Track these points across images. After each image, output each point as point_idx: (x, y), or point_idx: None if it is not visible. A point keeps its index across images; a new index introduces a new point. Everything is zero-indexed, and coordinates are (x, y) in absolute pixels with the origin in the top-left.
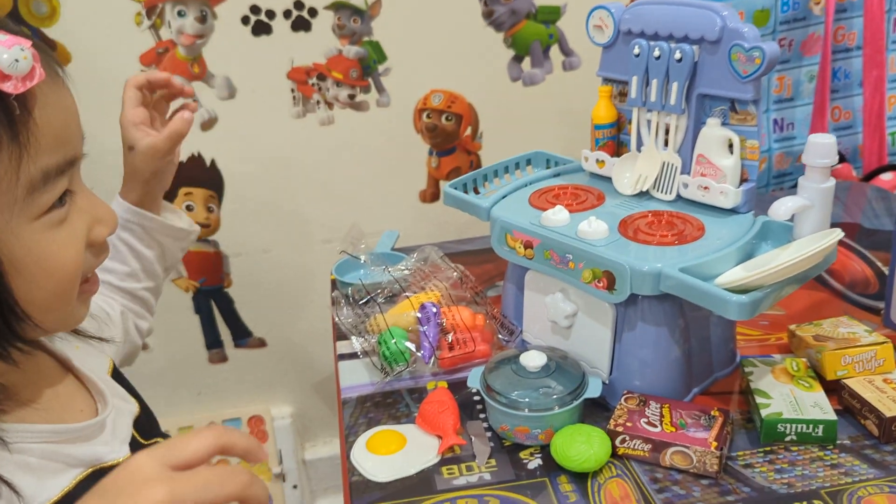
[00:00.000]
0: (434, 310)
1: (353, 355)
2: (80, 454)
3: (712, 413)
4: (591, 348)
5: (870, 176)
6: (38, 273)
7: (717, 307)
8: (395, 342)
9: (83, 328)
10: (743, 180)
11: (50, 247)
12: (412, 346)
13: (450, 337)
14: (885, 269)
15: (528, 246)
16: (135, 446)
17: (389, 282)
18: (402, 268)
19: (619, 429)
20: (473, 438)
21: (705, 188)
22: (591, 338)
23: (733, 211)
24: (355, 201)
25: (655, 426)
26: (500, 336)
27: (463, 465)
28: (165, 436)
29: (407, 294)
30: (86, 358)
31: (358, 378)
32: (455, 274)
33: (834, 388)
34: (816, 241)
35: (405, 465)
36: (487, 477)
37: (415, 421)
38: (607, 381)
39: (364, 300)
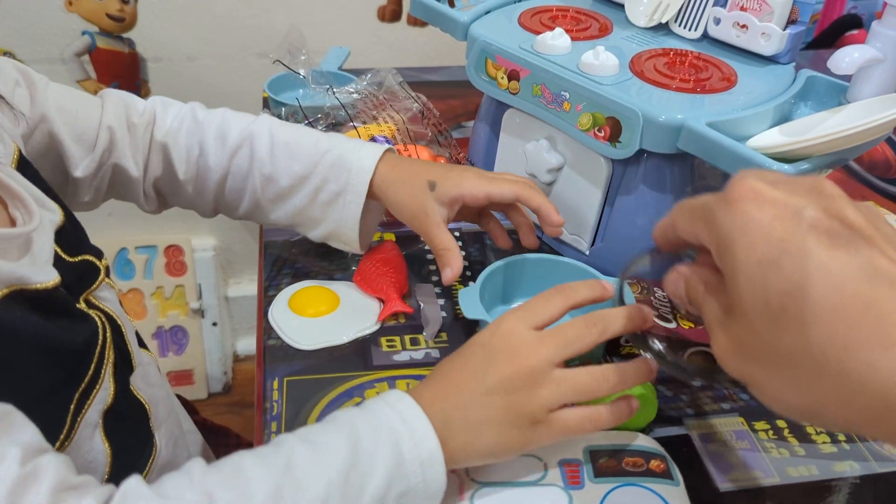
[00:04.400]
0: (387, 146)
1: None
2: None
3: None
4: (575, 211)
5: None
6: None
7: None
8: None
9: None
10: (791, 21)
11: None
12: None
13: None
14: None
15: (512, 77)
16: (60, 266)
17: (333, 106)
18: (351, 90)
19: None
20: (422, 305)
21: (743, 26)
22: (576, 199)
23: (771, 60)
24: (299, 13)
25: (669, 321)
26: None
27: (407, 338)
28: (97, 250)
29: (354, 124)
30: None
31: None
32: (415, 105)
33: None
34: (881, 106)
35: (336, 332)
36: (435, 354)
37: (352, 278)
38: (587, 253)
39: (301, 124)
